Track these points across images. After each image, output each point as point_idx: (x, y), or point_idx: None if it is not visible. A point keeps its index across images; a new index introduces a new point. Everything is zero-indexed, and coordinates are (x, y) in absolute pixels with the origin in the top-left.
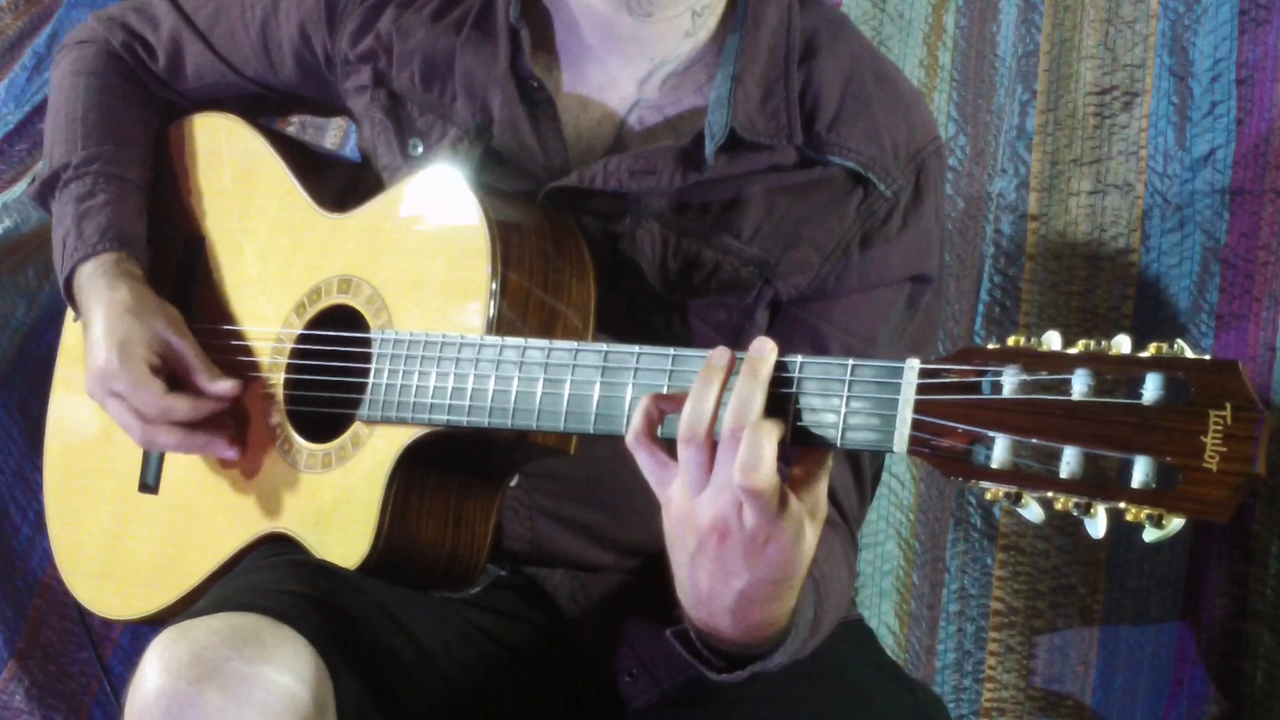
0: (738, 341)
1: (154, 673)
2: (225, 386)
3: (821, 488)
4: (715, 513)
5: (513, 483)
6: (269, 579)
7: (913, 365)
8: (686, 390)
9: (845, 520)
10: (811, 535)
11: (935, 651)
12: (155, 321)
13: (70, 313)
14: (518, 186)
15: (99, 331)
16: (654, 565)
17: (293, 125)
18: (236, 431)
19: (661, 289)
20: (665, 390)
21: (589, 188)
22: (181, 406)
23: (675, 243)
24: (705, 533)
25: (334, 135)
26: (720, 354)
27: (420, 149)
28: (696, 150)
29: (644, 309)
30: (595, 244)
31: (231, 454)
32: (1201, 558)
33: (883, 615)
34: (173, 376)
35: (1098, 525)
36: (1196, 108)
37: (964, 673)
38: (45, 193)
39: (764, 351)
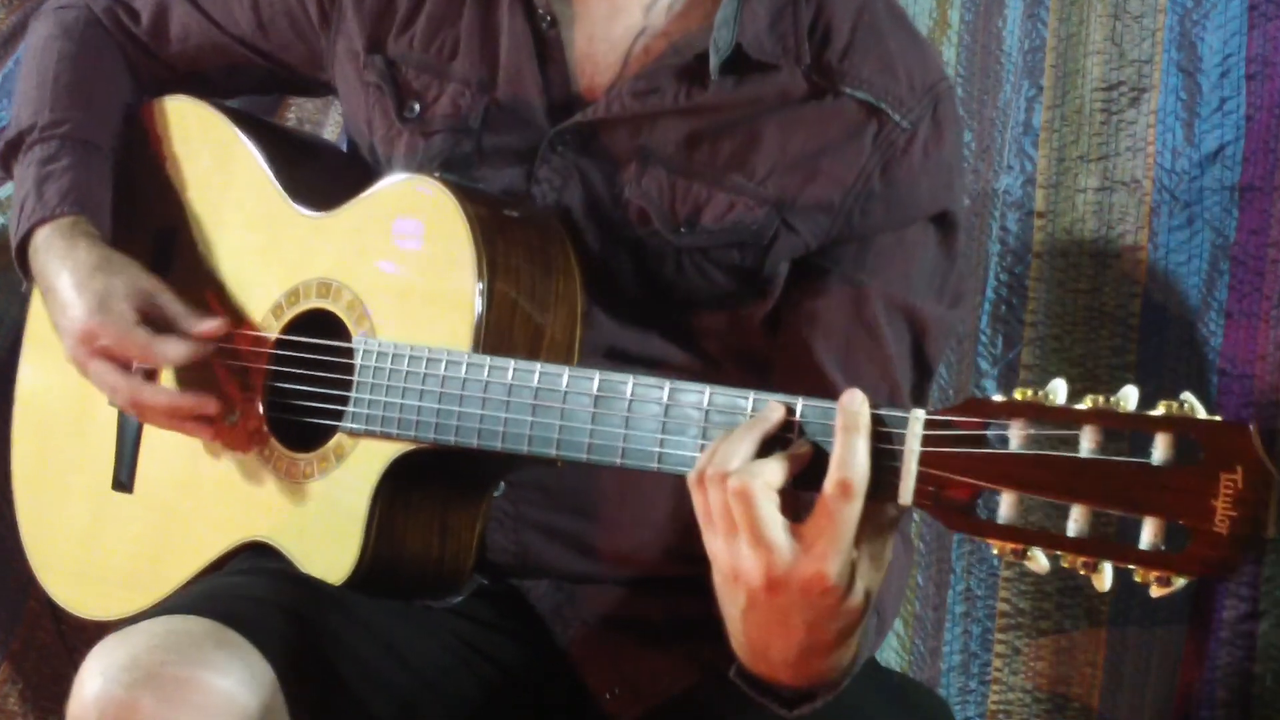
0: (751, 288)
1: (91, 677)
2: (212, 325)
3: (885, 537)
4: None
5: (497, 492)
6: (234, 584)
7: (917, 416)
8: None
9: None
10: (876, 581)
11: (940, 654)
12: (128, 273)
13: (35, 302)
14: (521, 140)
15: (70, 293)
16: (640, 578)
17: (289, 121)
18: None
19: (671, 235)
20: (663, 423)
21: (594, 120)
22: (176, 349)
23: (685, 187)
24: (756, 587)
25: (332, 132)
26: (775, 409)
27: (417, 109)
28: (700, 68)
29: (653, 258)
30: (599, 194)
31: (209, 434)
32: None
33: None
34: (156, 327)
35: (1104, 580)
36: (1205, 104)
37: (970, 674)
38: (8, 154)
39: (856, 403)
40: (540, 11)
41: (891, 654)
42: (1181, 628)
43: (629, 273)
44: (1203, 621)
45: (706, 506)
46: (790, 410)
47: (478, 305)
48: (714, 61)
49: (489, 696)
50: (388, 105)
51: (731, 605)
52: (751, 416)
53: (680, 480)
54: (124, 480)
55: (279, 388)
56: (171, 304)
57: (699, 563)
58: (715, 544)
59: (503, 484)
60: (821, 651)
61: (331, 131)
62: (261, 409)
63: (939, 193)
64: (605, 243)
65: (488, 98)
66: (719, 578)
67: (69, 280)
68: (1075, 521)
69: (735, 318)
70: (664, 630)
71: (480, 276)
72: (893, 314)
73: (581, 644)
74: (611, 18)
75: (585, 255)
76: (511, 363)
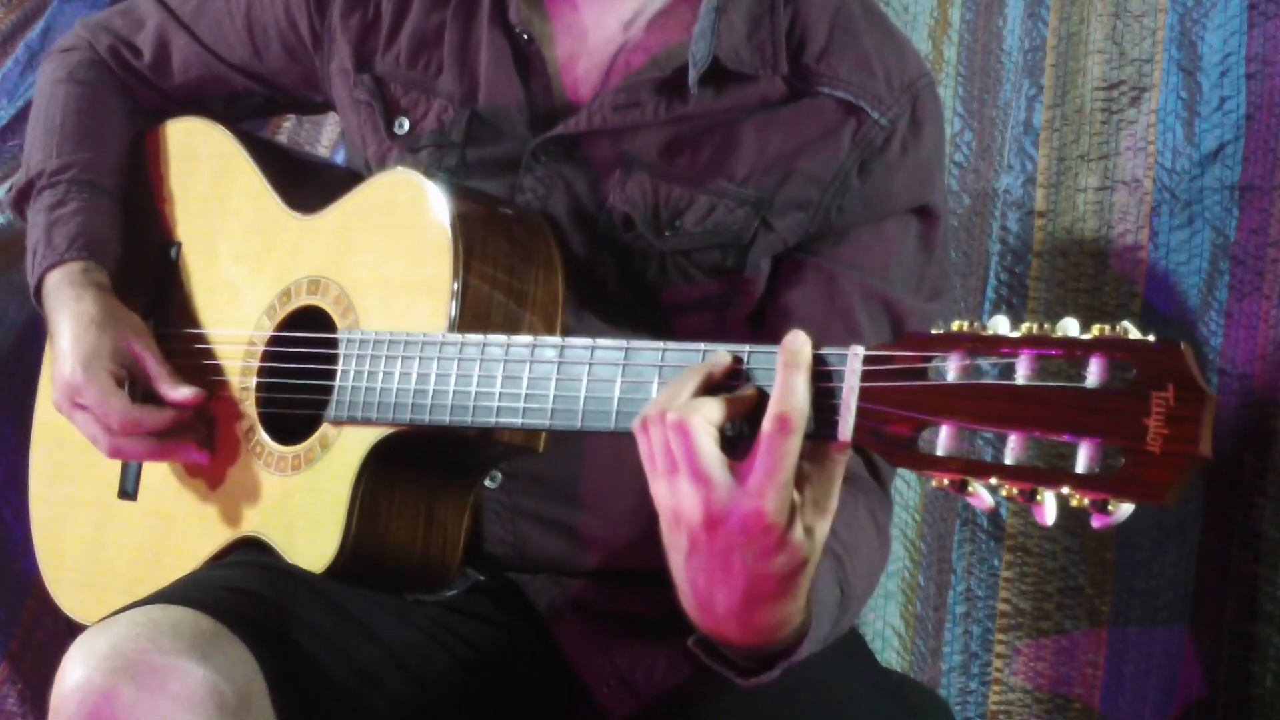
0: (734, 289)
1: (73, 666)
2: (186, 394)
3: (830, 478)
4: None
5: (493, 484)
6: (221, 576)
7: (857, 352)
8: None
9: (874, 472)
10: (821, 527)
11: (941, 654)
12: (119, 332)
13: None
14: (504, 151)
15: (65, 344)
16: (636, 571)
17: (289, 122)
18: (211, 436)
19: (654, 240)
20: (618, 383)
21: (575, 132)
22: (149, 418)
23: (667, 192)
24: (696, 526)
25: (331, 131)
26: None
27: (405, 125)
28: (680, 80)
29: (638, 263)
30: (583, 202)
31: (201, 459)
32: (1210, 559)
33: (888, 618)
34: (138, 387)
35: (1045, 511)
36: (1205, 103)
37: (970, 675)
38: (20, 200)
39: (797, 342)
40: (517, 30)
41: (892, 654)
42: (1182, 628)
43: (614, 276)
44: (1203, 622)
45: (649, 448)
46: (738, 359)
47: (453, 291)
48: (692, 76)
49: (485, 694)
50: (378, 122)
51: (676, 552)
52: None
53: None
54: (129, 489)
55: (273, 384)
56: (153, 366)
57: None
58: (658, 486)
59: (499, 475)
60: (765, 599)
61: (331, 131)
62: (255, 409)
63: (916, 189)
64: (591, 248)
65: (469, 111)
66: (663, 523)
67: (67, 332)
68: (1012, 450)
69: (719, 318)
70: (660, 625)
71: (456, 263)
72: (870, 305)
73: (577, 638)
74: (591, 35)
75: (571, 260)
76: (483, 338)
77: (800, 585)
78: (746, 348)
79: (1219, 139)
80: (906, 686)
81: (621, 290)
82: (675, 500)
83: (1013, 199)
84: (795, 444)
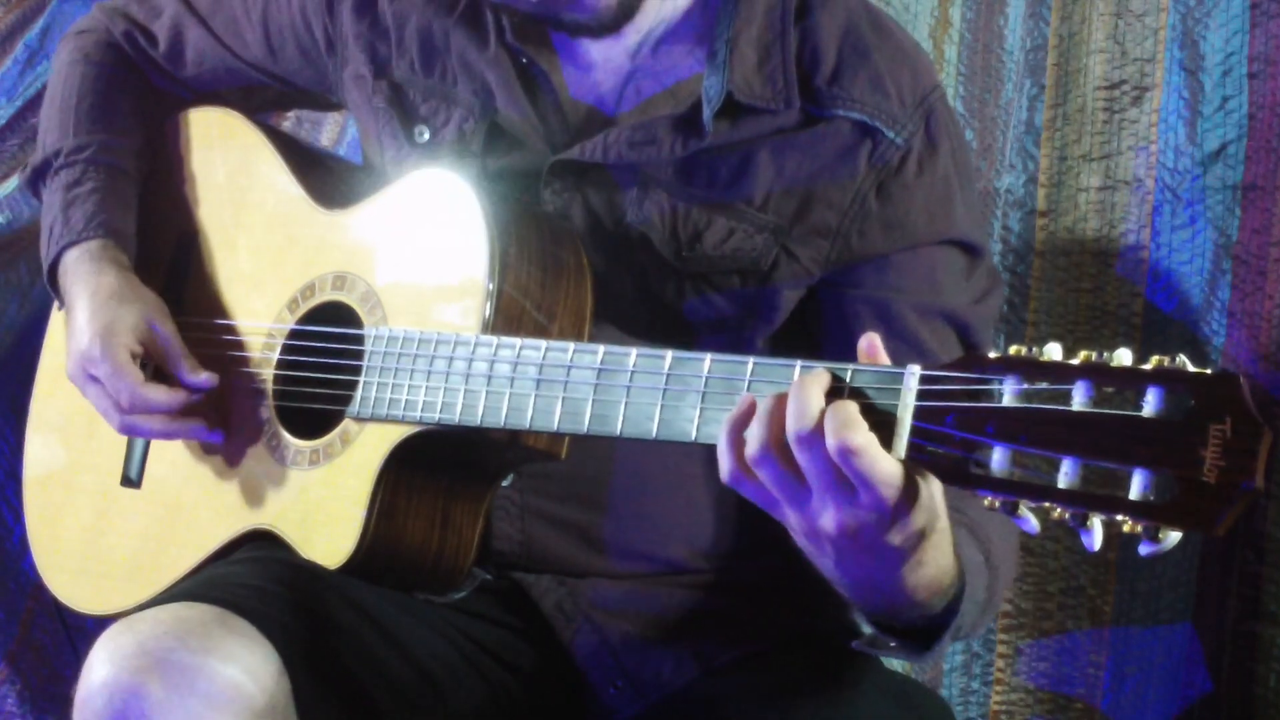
0: (753, 314)
1: (99, 664)
2: (203, 378)
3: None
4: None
5: (505, 482)
6: (238, 572)
7: (914, 371)
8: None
9: None
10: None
11: (943, 654)
12: (139, 308)
13: (55, 306)
14: (523, 162)
15: (82, 317)
16: (643, 574)
17: (288, 120)
18: (224, 426)
19: (673, 259)
20: (663, 391)
21: (590, 160)
22: (159, 398)
23: (685, 212)
24: (836, 537)
25: (330, 130)
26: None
27: (426, 135)
28: (695, 117)
29: (655, 281)
30: (601, 218)
31: (215, 438)
32: (1213, 559)
33: None
34: (154, 365)
35: (1094, 537)
36: (1207, 102)
37: (972, 675)
38: (36, 180)
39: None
40: (516, 52)
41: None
42: (1185, 628)
43: (631, 292)
44: (1206, 622)
45: (789, 472)
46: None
47: (488, 296)
48: (707, 114)
49: (493, 693)
50: (396, 129)
51: (825, 559)
52: (752, 381)
53: (690, 475)
54: (132, 477)
55: (292, 377)
56: (172, 347)
57: (707, 559)
58: (816, 505)
59: (510, 475)
60: (916, 557)
61: (331, 129)
62: (271, 402)
63: (936, 210)
64: (609, 263)
65: (489, 122)
66: (810, 536)
67: (85, 305)
68: (1066, 474)
69: (738, 340)
70: (666, 626)
71: (493, 264)
72: (929, 321)
73: (583, 639)
74: (598, 66)
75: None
76: (519, 341)
77: (944, 530)
78: (797, 363)
79: (1221, 138)
80: (908, 687)
81: (639, 306)
82: (849, 515)
83: (1014, 198)
84: (871, 453)
